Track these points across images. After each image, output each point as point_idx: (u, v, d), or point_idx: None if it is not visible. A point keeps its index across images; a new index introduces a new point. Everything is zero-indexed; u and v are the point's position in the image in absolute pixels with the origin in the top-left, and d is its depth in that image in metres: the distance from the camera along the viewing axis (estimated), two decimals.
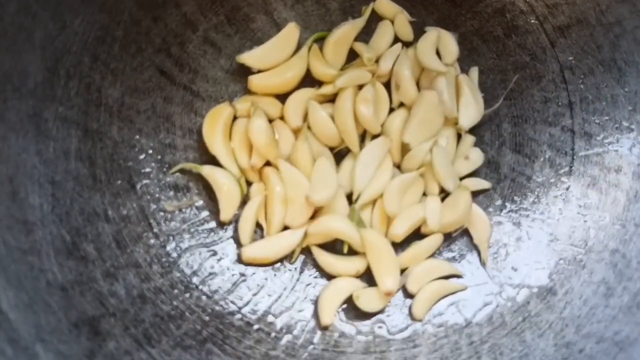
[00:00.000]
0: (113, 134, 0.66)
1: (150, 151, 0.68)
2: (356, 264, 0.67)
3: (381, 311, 0.67)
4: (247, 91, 0.70)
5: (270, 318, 0.66)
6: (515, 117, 0.73)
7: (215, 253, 0.68)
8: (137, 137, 0.67)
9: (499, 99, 0.72)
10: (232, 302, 0.66)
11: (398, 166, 0.70)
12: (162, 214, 0.67)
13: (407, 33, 0.72)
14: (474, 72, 0.73)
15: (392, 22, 0.73)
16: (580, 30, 0.71)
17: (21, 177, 0.60)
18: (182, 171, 0.68)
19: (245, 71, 0.70)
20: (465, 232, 0.71)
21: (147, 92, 0.68)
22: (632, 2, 0.69)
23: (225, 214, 0.67)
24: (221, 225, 0.68)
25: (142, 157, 0.67)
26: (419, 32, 0.73)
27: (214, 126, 0.68)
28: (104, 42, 0.65)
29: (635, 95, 0.70)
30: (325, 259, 0.67)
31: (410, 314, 0.67)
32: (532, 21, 0.73)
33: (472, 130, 0.72)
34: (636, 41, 0.69)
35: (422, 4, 0.73)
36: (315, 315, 0.66)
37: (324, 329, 0.66)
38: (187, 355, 0.61)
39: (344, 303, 0.67)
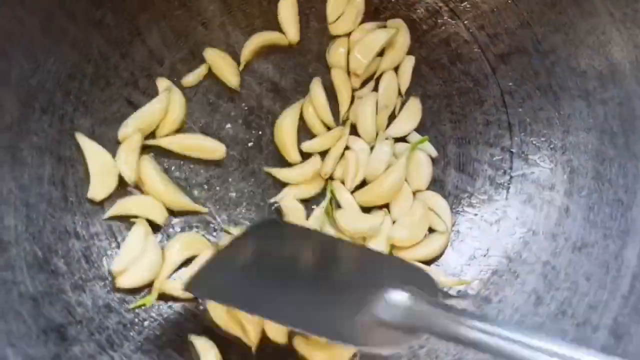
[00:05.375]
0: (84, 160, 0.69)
1: None
2: None
3: None
4: None
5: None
6: (459, 139, 0.76)
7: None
8: None
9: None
10: (192, 311, 0.68)
11: None
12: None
13: None
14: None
15: None
16: (519, 58, 0.75)
17: None
18: None
19: None
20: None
21: (116, 121, 0.70)
22: (565, 32, 0.72)
23: None
24: None
25: None
26: None
27: None
28: (75, 78, 0.69)
29: (569, 118, 0.73)
30: None
31: None
32: (475, 50, 0.76)
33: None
34: (569, 68, 0.73)
35: None
36: None
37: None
38: (146, 358, 0.64)
39: None
